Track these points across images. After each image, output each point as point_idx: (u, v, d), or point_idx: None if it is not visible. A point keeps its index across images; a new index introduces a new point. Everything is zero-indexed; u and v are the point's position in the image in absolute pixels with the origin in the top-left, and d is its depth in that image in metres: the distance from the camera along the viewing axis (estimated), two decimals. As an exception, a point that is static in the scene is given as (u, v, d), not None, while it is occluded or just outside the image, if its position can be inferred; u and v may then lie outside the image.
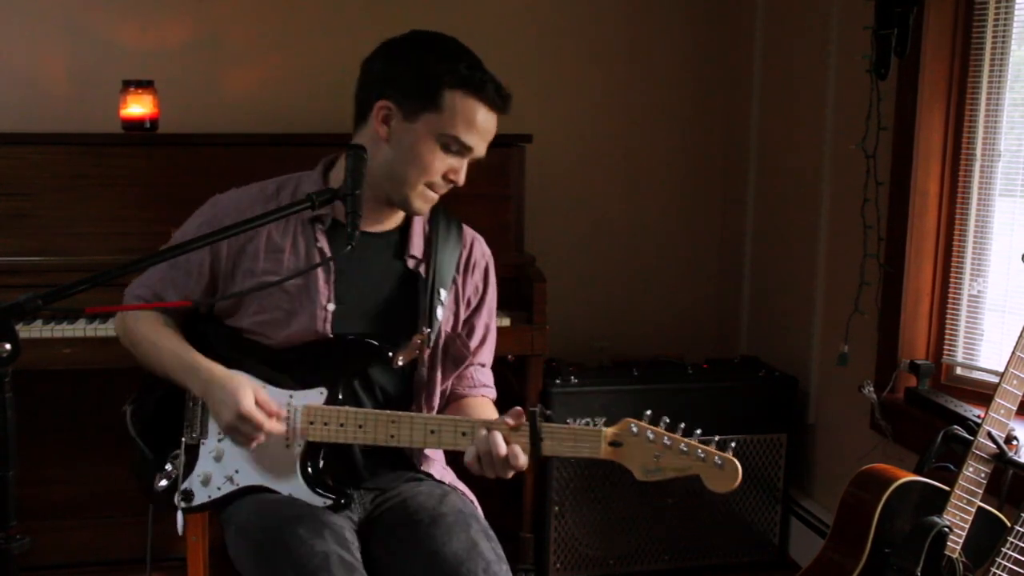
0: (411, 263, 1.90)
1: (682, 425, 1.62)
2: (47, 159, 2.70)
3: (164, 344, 1.84)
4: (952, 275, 2.54)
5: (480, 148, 1.81)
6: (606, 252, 3.48)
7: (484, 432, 1.66)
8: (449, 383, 1.97)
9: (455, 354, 1.94)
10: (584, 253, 3.45)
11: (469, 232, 2.02)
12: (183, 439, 1.84)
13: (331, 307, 1.84)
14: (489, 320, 2.03)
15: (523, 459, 1.65)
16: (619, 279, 3.50)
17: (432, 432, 1.71)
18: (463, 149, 1.79)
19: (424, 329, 1.84)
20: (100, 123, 2.92)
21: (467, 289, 1.98)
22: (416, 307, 1.87)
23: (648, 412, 1.62)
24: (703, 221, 3.55)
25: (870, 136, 2.58)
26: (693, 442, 1.59)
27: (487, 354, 2.04)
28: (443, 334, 1.92)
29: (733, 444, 1.62)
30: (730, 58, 3.44)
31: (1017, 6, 2.35)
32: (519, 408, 1.67)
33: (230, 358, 1.83)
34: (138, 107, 2.82)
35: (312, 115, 3.01)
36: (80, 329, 2.54)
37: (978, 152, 2.45)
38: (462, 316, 1.97)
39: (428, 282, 1.88)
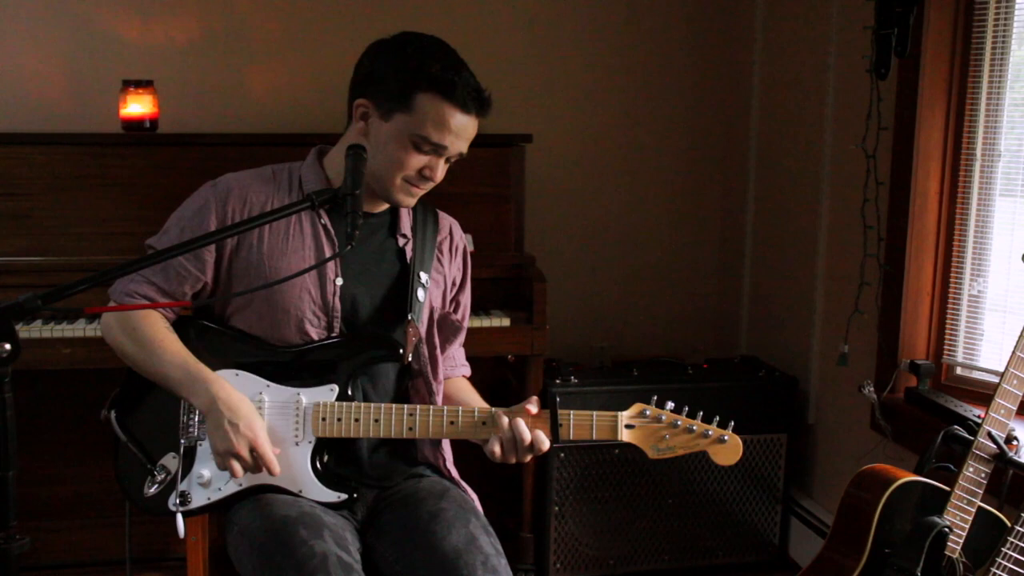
0: (401, 241, 1.97)
1: (686, 408, 1.79)
2: (47, 159, 2.70)
3: (169, 348, 1.81)
4: (952, 275, 2.54)
5: (455, 147, 1.83)
6: (606, 252, 3.47)
7: (507, 420, 1.76)
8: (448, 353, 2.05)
9: (452, 326, 2.03)
10: (584, 253, 3.45)
11: (445, 217, 2.07)
12: (181, 441, 1.83)
13: (339, 281, 1.88)
14: (469, 298, 2.13)
15: (547, 444, 1.76)
16: (619, 279, 3.50)
17: (451, 423, 1.78)
18: (435, 149, 1.81)
19: (409, 316, 1.89)
20: (100, 123, 2.92)
21: (452, 271, 2.05)
22: (407, 284, 1.94)
23: (655, 396, 1.79)
24: (703, 221, 3.55)
25: (870, 136, 2.58)
26: (699, 422, 1.76)
27: (465, 331, 2.13)
28: (435, 312, 1.98)
29: (732, 423, 1.78)
30: (730, 58, 3.44)
31: (1017, 6, 2.35)
32: (536, 397, 1.79)
33: (234, 357, 1.84)
34: (138, 107, 2.82)
35: (313, 114, 3.01)
36: (80, 329, 2.55)
37: (978, 152, 2.45)
38: (449, 295, 2.04)
39: (411, 267, 1.94)
